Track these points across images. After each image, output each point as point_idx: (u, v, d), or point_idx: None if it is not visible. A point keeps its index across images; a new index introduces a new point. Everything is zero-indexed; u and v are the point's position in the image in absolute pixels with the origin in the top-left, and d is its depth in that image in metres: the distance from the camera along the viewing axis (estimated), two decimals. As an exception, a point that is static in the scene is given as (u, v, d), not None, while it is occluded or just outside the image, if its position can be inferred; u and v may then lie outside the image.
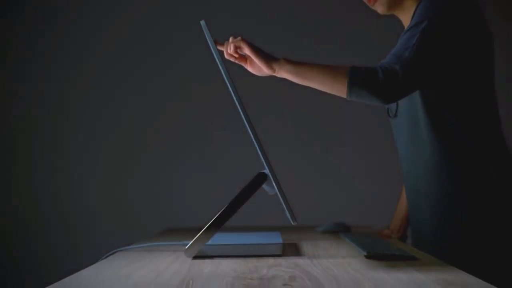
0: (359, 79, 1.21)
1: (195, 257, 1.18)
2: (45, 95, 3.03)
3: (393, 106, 1.46)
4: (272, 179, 1.14)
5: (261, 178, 1.18)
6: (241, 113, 1.17)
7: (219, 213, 1.17)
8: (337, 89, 1.24)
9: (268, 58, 1.27)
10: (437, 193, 1.35)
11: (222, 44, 1.32)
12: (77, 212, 2.97)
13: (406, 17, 1.39)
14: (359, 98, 1.23)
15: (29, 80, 3.04)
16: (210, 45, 1.27)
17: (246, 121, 1.16)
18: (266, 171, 1.16)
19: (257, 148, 1.14)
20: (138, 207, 2.97)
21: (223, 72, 1.20)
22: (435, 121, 1.32)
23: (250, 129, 1.15)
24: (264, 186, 1.19)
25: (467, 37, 1.27)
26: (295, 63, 1.27)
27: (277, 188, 1.12)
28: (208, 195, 2.88)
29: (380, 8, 1.38)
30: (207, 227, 1.16)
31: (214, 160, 2.99)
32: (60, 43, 3.05)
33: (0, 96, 3.04)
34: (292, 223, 1.13)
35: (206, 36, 1.26)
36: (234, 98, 1.18)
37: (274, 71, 1.28)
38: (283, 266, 1.06)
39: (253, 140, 1.15)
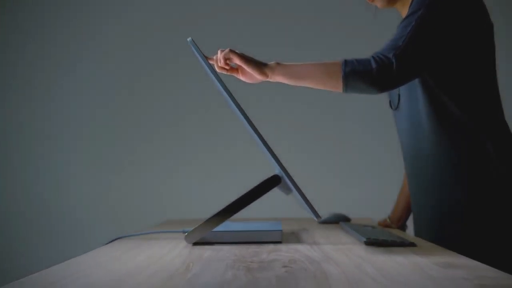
0: (353, 72, 1.21)
1: (195, 244, 1.18)
2: (47, 94, 3.07)
3: (395, 98, 1.46)
4: (289, 182, 1.11)
5: (274, 180, 1.16)
6: (246, 122, 1.13)
7: (226, 206, 1.16)
8: (332, 85, 1.24)
9: (259, 65, 1.27)
10: (438, 188, 1.34)
11: (211, 58, 1.31)
12: (75, 209, 2.99)
13: (405, 9, 1.39)
14: (355, 90, 1.23)
15: (29, 79, 3.06)
16: (201, 60, 1.22)
17: (253, 129, 1.12)
18: (280, 173, 1.15)
19: (268, 153, 1.11)
20: (139, 205, 2.98)
21: (220, 86, 1.15)
22: (436, 113, 1.31)
23: (258, 136, 1.11)
24: (278, 188, 1.18)
25: (465, 26, 1.26)
26: (287, 65, 1.27)
27: (296, 190, 1.10)
28: (209, 196, 2.88)
29: (379, 3, 1.39)
30: (211, 217, 1.16)
31: (216, 161, 3.01)
32: (61, 43, 3.08)
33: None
34: (316, 220, 1.13)
35: (196, 53, 1.21)
36: (237, 109, 1.14)
37: (267, 76, 1.27)
38: (283, 251, 1.06)
39: (263, 145, 1.12)
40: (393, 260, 0.93)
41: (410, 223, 1.59)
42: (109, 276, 0.83)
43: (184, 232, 1.22)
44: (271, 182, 1.17)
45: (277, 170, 1.16)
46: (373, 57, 1.22)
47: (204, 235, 1.18)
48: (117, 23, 3.08)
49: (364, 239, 1.12)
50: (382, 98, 1.54)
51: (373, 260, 0.93)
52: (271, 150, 1.11)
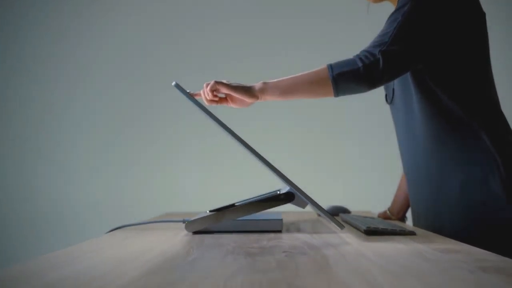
0: (340, 74, 1.21)
1: (195, 232, 1.19)
2: (51, 94, 3.08)
3: (390, 92, 1.46)
4: (307, 200, 1.11)
5: (288, 197, 1.16)
6: (250, 152, 1.11)
7: (233, 205, 1.16)
8: (323, 92, 1.24)
9: (247, 89, 1.27)
10: (434, 181, 1.34)
11: (198, 94, 1.31)
12: (76, 205, 3.00)
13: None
14: (346, 92, 1.23)
15: (33, 79, 3.07)
16: (190, 101, 1.19)
17: (258, 157, 1.10)
18: (292, 191, 1.14)
19: (277, 175, 1.10)
20: (139, 202, 2.99)
21: (214, 119, 1.14)
22: (429, 106, 1.30)
23: (264, 162, 1.09)
24: (292, 203, 1.18)
25: (454, 17, 1.24)
26: (274, 83, 1.26)
27: (316, 206, 1.10)
28: (209, 195, 2.88)
29: None
30: (215, 212, 1.16)
31: (218, 160, 3.01)
32: (65, 44, 3.09)
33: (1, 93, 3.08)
34: (341, 230, 1.15)
35: (183, 94, 1.20)
36: (236, 139, 1.12)
37: (257, 98, 1.27)
38: (283, 239, 1.06)
39: (270, 169, 1.10)
40: (393, 246, 0.94)
41: (409, 215, 1.59)
42: (110, 259, 0.83)
43: (184, 221, 1.22)
44: (284, 199, 1.16)
45: (289, 187, 1.16)
46: (358, 56, 1.22)
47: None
48: (123, 24, 3.09)
49: (364, 228, 1.13)
50: (381, 93, 1.54)
51: (373, 246, 0.94)
52: (280, 172, 1.10)
